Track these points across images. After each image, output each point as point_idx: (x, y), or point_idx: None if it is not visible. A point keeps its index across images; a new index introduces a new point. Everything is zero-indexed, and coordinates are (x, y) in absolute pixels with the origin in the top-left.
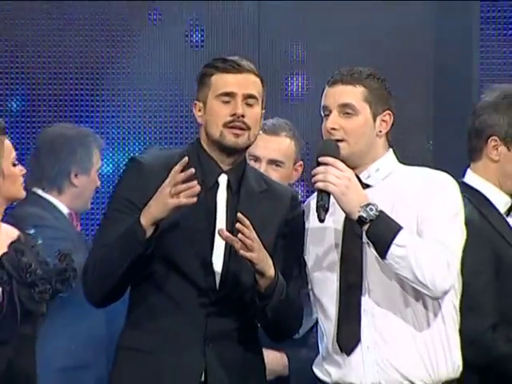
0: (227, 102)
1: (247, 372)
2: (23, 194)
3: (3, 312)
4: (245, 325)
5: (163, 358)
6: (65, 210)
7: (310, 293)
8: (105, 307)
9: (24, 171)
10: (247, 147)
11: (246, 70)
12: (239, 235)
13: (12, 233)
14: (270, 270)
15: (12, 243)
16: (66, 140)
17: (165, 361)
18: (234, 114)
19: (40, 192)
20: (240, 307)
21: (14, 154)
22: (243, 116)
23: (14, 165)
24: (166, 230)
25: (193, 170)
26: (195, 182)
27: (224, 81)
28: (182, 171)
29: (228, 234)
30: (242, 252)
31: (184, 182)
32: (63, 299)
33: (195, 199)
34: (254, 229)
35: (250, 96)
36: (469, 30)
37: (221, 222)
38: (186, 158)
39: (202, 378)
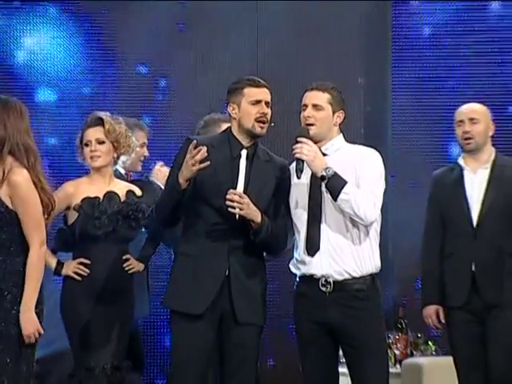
0: (255, 105)
1: (253, 270)
2: (93, 164)
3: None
4: (253, 243)
5: (203, 260)
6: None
7: (292, 222)
8: (168, 228)
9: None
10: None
11: (264, 86)
12: (228, 198)
13: (124, 188)
14: (258, 219)
15: (109, 192)
16: (129, 126)
17: (204, 262)
18: (262, 113)
19: None
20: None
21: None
22: (267, 114)
23: (101, 143)
24: (205, 183)
25: (201, 147)
26: (204, 149)
27: (254, 92)
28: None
29: (228, 195)
30: (232, 210)
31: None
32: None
33: (209, 162)
34: (260, 184)
35: (268, 102)
36: None
37: (240, 179)
38: (195, 141)
39: (227, 273)
